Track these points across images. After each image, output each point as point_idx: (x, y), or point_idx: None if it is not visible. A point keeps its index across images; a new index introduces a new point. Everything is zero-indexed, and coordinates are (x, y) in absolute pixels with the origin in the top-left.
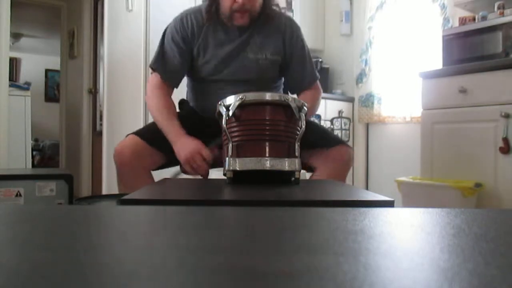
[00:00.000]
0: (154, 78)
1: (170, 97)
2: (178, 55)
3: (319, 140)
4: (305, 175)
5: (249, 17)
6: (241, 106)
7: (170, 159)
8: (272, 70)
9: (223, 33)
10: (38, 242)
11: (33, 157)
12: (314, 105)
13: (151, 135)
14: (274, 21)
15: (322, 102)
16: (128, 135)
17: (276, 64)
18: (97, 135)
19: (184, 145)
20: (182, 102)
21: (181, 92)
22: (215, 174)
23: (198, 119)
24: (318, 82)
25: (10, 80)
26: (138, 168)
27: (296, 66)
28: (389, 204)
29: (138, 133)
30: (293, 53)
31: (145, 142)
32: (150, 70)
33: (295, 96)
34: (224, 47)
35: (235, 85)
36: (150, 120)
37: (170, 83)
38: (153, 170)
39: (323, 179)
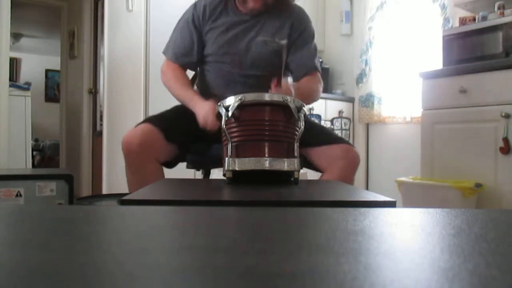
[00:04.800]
0: (167, 61)
1: (185, 74)
2: (189, 37)
3: (324, 137)
4: (306, 175)
5: (262, 2)
6: (240, 106)
7: (179, 154)
8: (280, 54)
9: (234, 16)
10: (38, 242)
11: (33, 157)
12: (311, 92)
13: (165, 123)
14: (286, 7)
15: (322, 102)
16: (138, 124)
17: (284, 48)
18: (97, 135)
19: (202, 108)
20: None
21: None
22: (216, 174)
23: None
24: (319, 74)
25: (10, 80)
26: (146, 156)
27: (299, 51)
28: (390, 204)
29: (150, 120)
30: (299, 38)
31: (158, 128)
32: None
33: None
34: (234, 28)
35: (244, 67)
36: None
37: (181, 64)
38: (162, 163)
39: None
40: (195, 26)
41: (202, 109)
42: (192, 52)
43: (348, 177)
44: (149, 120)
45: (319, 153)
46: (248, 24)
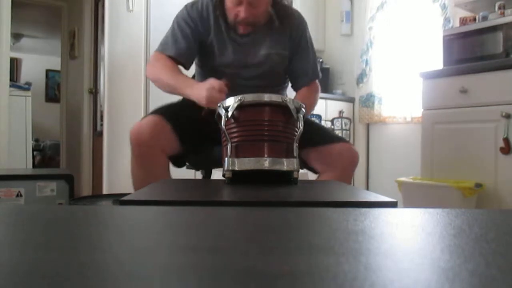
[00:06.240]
0: (157, 53)
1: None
2: (190, 35)
3: (322, 137)
4: (307, 175)
5: (252, 27)
6: (240, 107)
7: (185, 149)
8: (283, 65)
9: (236, 28)
10: (38, 242)
11: (33, 157)
12: (311, 103)
13: (171, 113)
14: (287, 16)
15: (322, 102)
16: (145, 116)
17: (286, 59)
18: (97, 135)
19: (199, 88)
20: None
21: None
22: (216, 175)
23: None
24: (317, 81)
25: (10, 80)
26: (156, 148)
27: (300, 60)
28: (392, 205)
29: (157, 111)
30: (298, 47)
31: (165, 119)
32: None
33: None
34: (238, 41)
35: (248, 78)
36: None
37: (183, 60)
38: (168, 155)
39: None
40: (195, 24)
41: (201, 90)
42: (190, 48)
43: (347, 176)
44: (155, 111)
45: (317, 153)
46: (251, 37)
